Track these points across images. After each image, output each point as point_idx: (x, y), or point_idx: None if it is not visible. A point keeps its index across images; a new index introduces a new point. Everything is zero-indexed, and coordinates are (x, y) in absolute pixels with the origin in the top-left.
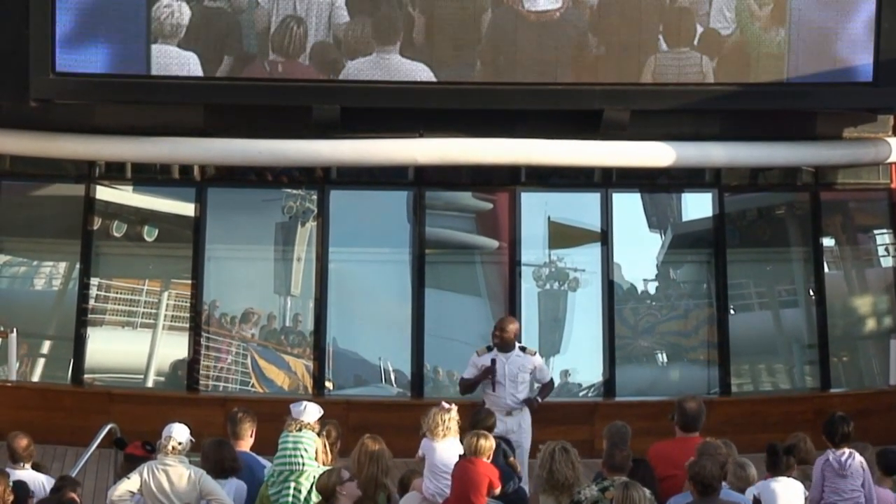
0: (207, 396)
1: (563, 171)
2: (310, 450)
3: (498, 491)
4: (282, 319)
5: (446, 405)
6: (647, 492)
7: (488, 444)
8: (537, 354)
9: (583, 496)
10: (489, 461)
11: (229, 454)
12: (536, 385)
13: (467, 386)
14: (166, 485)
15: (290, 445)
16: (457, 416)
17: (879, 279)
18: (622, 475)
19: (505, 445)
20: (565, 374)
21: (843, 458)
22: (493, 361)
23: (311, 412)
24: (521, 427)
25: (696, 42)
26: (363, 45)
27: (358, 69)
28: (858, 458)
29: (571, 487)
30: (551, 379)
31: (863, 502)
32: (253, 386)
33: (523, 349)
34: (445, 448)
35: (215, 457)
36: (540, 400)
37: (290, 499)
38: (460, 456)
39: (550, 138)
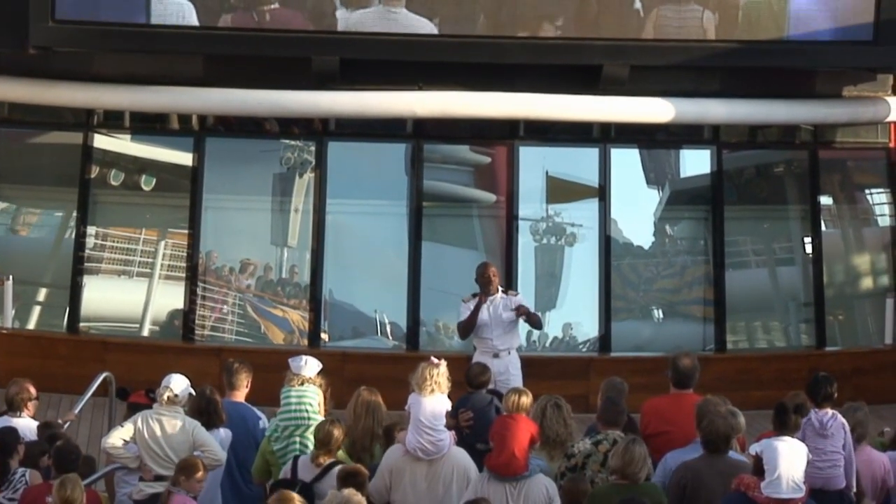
0: (203, 346)
1: (561, 125)
2: (314, 404)
3: (539, 444)
4: (278, 271)
5: (435, 360)
6: (646, 451)
7: (528, 400)
8: (519, 294)
9: (576, 449)
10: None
11: (208, 405)
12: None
13: (465, 325)
14: (160, 434)
15: (294, 400)
16: (446, 372)
17: (876, 238)
18: (616, 429)
19: (497, 400)
20: (561, 328)
21: (825, 419)
22: (481, 297)
23: (311, 366)
24: (508, 370)
25: None
26: None
27: (359, 21)
28: (840, 418)
29: (564, 444)
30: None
31: (842, 464)
32: (264, 332)
33: (505, 291)
34: (432, 403)
35: (195, 407)
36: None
37: (298, 453)
38: (497, 411)
39: (549, 93)
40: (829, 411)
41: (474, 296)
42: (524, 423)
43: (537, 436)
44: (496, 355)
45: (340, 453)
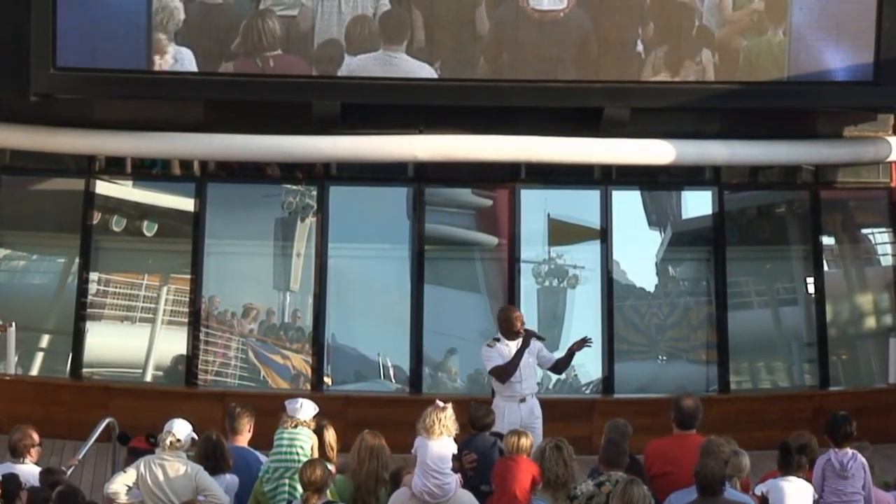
0: (206, 391)
1: (563, 168)
2: (305, 447)
3: (541, 486)
4: (281, 315)
5: (441, 404)
6: (647, 490)
7: (528, 442)
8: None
9: (579, 491)
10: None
11: (215, 450)
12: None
13: (509, 370)
14: (162, 479)
15: (286, 443)
16: (453, 415)
17: (879, 278)
18: (619, 471)
19: (500, 442)
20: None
21: (845, 460)
22: (527, 335)
23: (306, 409)
24: (533, 413)
25: (695, 40)
26: (365, 41)
27: (359, 66)
28: (861, 459)
29: (565, 485)
30: None
31: None
32: (264, 377)
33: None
34: (439, 446)
35: (202, 452)
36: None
37: (287, 496)
38: (501, 453)
39: (551, 135)
40: (849, 451)
41: (496, 340)
42: (525, 465)
43: (539, 477)
44: (523, 400)
45: (330, 494)
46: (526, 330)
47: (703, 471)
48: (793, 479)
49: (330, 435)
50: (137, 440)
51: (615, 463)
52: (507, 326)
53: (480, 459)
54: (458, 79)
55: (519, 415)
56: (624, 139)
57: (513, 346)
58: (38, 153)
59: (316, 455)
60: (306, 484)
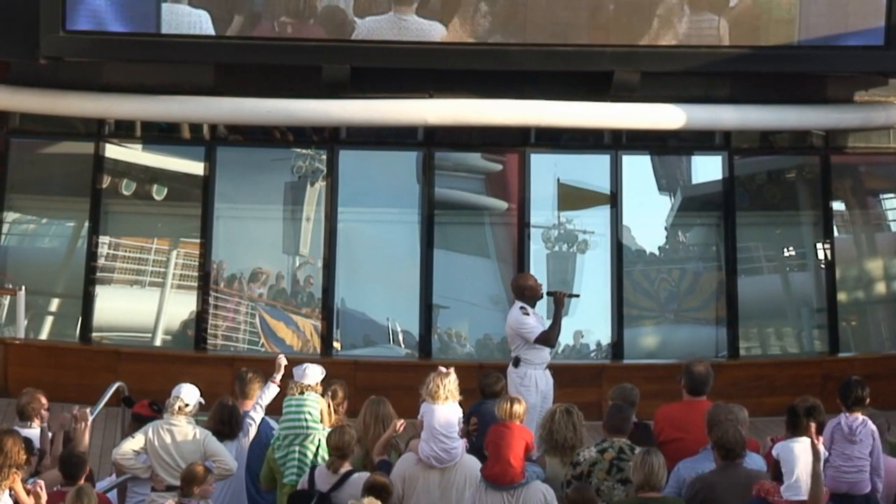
0: (215, 356)
1: (573, 132)
2: (314, 412)
3: (534, 452)
4: (290, 279)
5: (444, 369)
6: (663, 459)
7: (522, 408)
8: None
9: (581, 458)
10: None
11: (231, 416)
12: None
13: (556, 331)
14: (170, 444)
15: (294, 409)
16: (456, 380)
17: (889, 243)
18: (622, 437)
19: None
20: (573, 336)
21: (855, 424)
22: (559, 294)
23: (312, 374)
24: (550, 383)
25: (707, 4)
26: (375, 4)
27: (369, 28)
28: (871, 425)
29: (573, 449)
30: None
31: (867, 469)
32: (262, 346)
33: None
34: (445, 411)
35: (217, 418)
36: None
37: (297, 462)
38: (496, 420)
39: (561, 100)
40: (860, 417)
41: (522, 308)
42: (518, 431)
43: (532, 444)
44: (547, 367)
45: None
46: (553, 291)
47: (725, 437)
48: (802, 439)
49: (338, 397)
50: (140, 406)
51: (618, 429)
52: (531, 294)
53: (488, 425)
54: (467, 42)
55: (546, 381)
56: (634, 104)
57: (534, 312)
58: (48, 116)
59: (326, 418)
60: (334, 449)
